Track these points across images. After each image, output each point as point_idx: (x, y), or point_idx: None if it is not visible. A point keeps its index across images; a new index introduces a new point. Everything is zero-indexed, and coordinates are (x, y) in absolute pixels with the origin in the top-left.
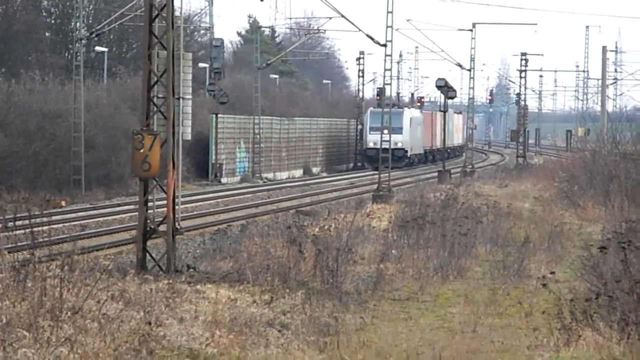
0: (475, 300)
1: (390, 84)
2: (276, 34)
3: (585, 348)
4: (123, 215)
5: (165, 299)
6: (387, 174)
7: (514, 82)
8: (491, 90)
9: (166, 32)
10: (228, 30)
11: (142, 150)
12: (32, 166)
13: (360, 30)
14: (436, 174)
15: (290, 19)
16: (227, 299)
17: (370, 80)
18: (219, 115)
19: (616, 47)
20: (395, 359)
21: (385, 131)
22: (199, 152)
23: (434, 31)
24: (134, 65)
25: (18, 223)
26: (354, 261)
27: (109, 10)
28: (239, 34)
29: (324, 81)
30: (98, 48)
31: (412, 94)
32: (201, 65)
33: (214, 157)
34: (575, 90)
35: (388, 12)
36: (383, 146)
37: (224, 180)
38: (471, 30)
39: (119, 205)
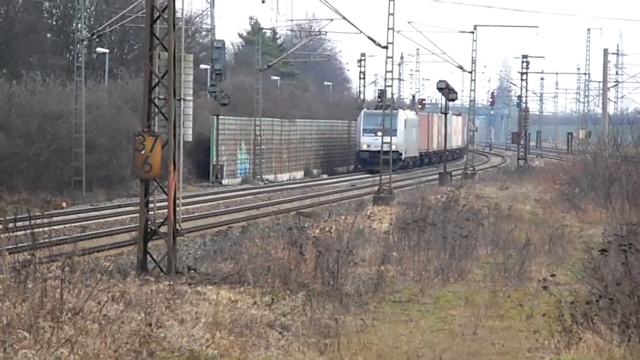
0: (476, 303)
1: (391, 86)
2: (277, 36)
3: (586, 351)
4: (124, 217)
5: (166, 301)
6: (387, 176)
7: (515, 85)
8: (492, 93)
9: (167, 33)
10: (229, 31)
11: (143, 152)
12: (33, 167)
13: (361, 32)
14: (437, 176)
15: (292, 20)
16: (228, 301)
17: (372, 82)
18: (220, 117)
19: (617, 49)
20: None
21: (380, 133)
22: (200, 153)
23: (435, 33)
24: (135, 67)
25: (19, 224)
26: (355, 263)
27: (110, 11)
28: (240, 35)
29: (325, 83)
30: (99, 49)
31: (413, 96)
32: (202, 66)
33: (215, 158)
34: (576, 93)
35: (389, 14)
36: (379, 148)
37: (224, 181)
38: (472, 33)
39: (119, 206)
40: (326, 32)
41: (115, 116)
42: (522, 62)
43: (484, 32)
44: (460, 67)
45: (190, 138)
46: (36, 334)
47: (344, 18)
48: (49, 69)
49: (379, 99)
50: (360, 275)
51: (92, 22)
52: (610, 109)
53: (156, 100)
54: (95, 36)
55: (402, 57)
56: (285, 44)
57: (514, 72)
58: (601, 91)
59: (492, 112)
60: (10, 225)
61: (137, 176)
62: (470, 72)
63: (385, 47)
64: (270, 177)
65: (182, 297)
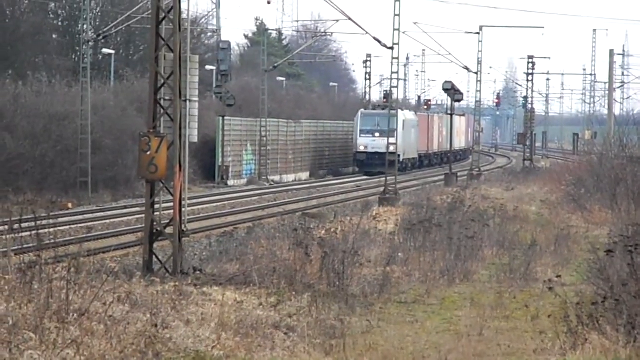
0: (482, 304)
1: (397, 87)
2: (283, 37)
3: (591, 352)
4: (129, 218)
5: (172, 302)
6: (393, 177)
7: (521, 85)
8: (498, 94)
9: (173, 34)
10: (235, 32)
11: (148, 153)
12: (39, 168)
13: (367, 33)
14: (442, 177)
15: (297, 21)
16: (234, 302)
17: (377, 83)
18: (225, 118)
19: (623, 50)
20: None
21: (377, 134)
22: (206, 154)
23: (441, 34)
24: (140, 68)
25: (24, 225)
26: (361, 264)
27: (116, 12)
28: (246, 36)
29: (331, 84)
30: (105, 50)
31: (419, 97)
32: (208, 67)
33: (220, 159)
34: (582, 94)
35: (395, 15)
36: (377, 150)
37: (230, 182)
38: (478, 33)
39: (125, 207)
40: (332, 33)
41: (121, 117)
42: (528, 62)
43: (490, 33)
44: (466, 68)
45: (195, 139)
46: (42, 334)
47: (350, 19)
48: (55, 70)
49: (385, 100)
50: (366, 276)
51: (97, 23)
52: (616, 110)
53: (162, 101)
54: (101, 37)
55: (407, 58)
56: (290, 45)
57: (519, 72)
58: (607, 92)
59: (498, 113)
60: (16, 226)
61: (143, 177)
62: (476, 73)
63: (391, 48)
64: (276, 178)
65: (188, 298)
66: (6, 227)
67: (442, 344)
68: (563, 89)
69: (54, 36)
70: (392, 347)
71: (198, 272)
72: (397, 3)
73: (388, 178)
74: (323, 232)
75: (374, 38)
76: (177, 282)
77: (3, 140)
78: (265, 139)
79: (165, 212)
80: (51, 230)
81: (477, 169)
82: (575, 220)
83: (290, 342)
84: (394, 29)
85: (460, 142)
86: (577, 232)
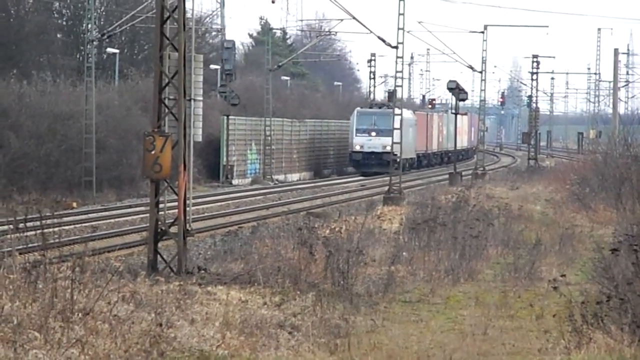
0: (486, 303)
1: (401, 86)
2: (287, 36)
3: (596, 351)
4: (134, 217)
5: (176, 301)
6: (397, 177)
7: (525, 85)
8: (503, 93)
9: (178, 33)
10: (239, 32)
11: (153, 152)
12: (44, 167)
13: (371, 32)
14: (447, 176)
15: (302, 20)
16: (238, 301)
17: (382, 82)
18: (230, 117)
19: (628, 49)
20: None
21: (374, 133)
22: (210, 153)
23: (446, 33)
24: (145, 67)
25: (29, 224)
26: (365, 263)
27: (120, 11)
28: (251, 35)
29: (335, 83)
30: (109, 49)
31: (424, 96)
32: (212, 67)
33: (225, 158)
34: (586, 93)
35: (399, 14)
36: (373, 150)
37: (235, 181)
38: (483, 33)
39: (130, 206)
40: (336, 32)
41: (125, 116)
42: (533, 62)
43: (494, 32)
44: (471, 67)
45: (200, 138)
46: (46, 334)
47: (354, 18)
48: (59, 69)
49: (389, 99)
50: (370, 275)
51: (102, 23)
52: (621, 109)
53: (166, 101)
54: (105, 36)
55: (412, 57)
56: (295, 44)
57: (524, 72)
58: (612, 91)
59: (502, 112)
60: (21, 225)
61: (147, 176)
62: (481, 72)
63: (396, 47)
64: (280, 177)
65: (193, 297)
66: (11, 226)
67: (446, 343)
68: (567, 88)
69: (58, 35)
70: (397, 346)
71: (202, 272)
72: (402, 2)
73: (392, 177)
74: (327, 231)
75: (379, 37)
76: (181, 281)
77: (8, 139)
78: (269, 138)
79: (169, 211)
80: (56, 229)
81: (481, 168)
82: (580, 220)
83: (295, 342)
84: (399, 28)
85: (462, 142)
86: (581, 231)
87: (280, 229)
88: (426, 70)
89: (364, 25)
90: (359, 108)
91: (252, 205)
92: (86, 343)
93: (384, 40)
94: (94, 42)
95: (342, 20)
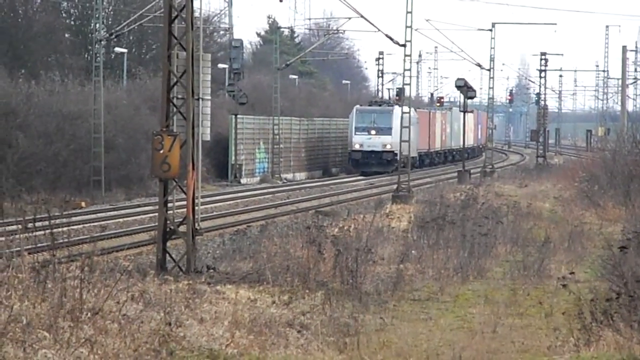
0: (496, 301)
1: (409, 84)
2: (295, 35)
3: (605, 348)
4: (143, 216)
5: (185, 300)
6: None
7: (533, 82)
8: (511, 90)
9: (186, 33)
10: (247, 31)
11: (161, 151)
12: (52, 167)
13: (379, 30)
14: (455, 174)
15: (310, 19)
16: (247, 300)
17: (390, 81)
18: (238, 116)
19: (636, 46)
20: (415, 359)
21: (374, 132)
22: (219, 152)
23: (454, 31)
24: (153, 66)
25: (38, 224)
26: (374, 261)
27: (128, 11)
28: (258, 34)
29: (343, 81)
30: (117, 49)
31: (432, 94)
32: (220, 66)
33: (233, 157)
34: (595, 90)
35: (407, 12)
36: (373, 148)
37: (243, 180)
38: (491, 30)
39: (138, 206)
40: (344, 31)
41: (133, 116)
42: (541, 59)
43: (502, 30)
44: (479, 65)
45: (208, 137)
46: (56, 333)
47: (362, 16)
48: (68, 69)
49: (397, 97)
50: (379, 273)
51: (110, 22)
52: (629, 106)
53: (175, 100)
54: (113, 36)
55: (420, 55)
56: (303, 42)
57: (532, 69)
58: (620, 88)
59: (510, 110)
60: (30, 225)
61: (156, 176)
62: (489, 70)
63: (404, 45)
64: (289, 176)
65: (202, 296)
66: (20, 226)
67: (455, 341)
68: (576, 86)
69: (66, 35)
70: (406, 345)
71: (211, 271)
72: (409, 0)
73: (401, 175)
74: (336, 230)
75: (386, 35)
76: (190, 280)
77: (16, 139)
78: (277, 137)
79: (178, 210)
80: (64, 229)
81: (490, 166)
82: (589, 217)
83: (304, 340)
84: (406, 26)
85: (467, 140)
86: (590, 229)
87: (289, 228)
88: (434, 68)
89: (371, 24)
90: (358, 106)
91: (261, 204)
92: (95, 342)
93: (391, 39)
94: (102, 42)
95: (350, 18)
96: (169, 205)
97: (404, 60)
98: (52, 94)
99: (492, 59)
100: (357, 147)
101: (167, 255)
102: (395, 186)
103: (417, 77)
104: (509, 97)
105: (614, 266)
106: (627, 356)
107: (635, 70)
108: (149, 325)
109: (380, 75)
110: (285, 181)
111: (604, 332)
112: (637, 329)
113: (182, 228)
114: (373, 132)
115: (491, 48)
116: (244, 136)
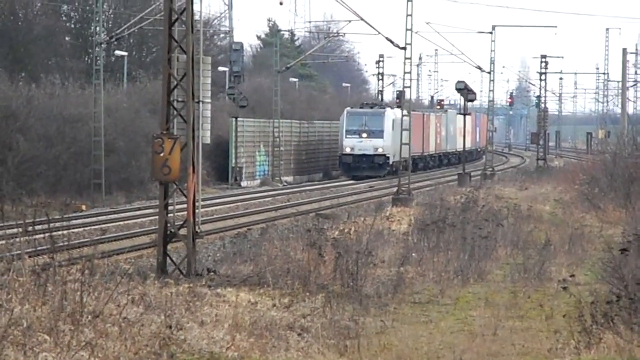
0: (496, 303)
1: (410, 87)
2: (296, 38)
3: (606, 351)
4: (143, 219)
5: (186, 303)
6: (407, 177)
7: (534, 85)
8: (511, 93)
9: (186, 36)
10: (248, 34)
11: (162, 154)
12: (52, 170)
13: (379, 33)
14: (456, 176)
15: (310, 22)
16: (248, 303)
17: (390, 83)
18: (238, 119)
19: (636, 49)
20: None
21: (365, 135)
22: (219, 155)
23: (454, 34)
24: (153, 69)
25: (38, 227)
26: (374, 264)
27: (128, 14)
28: (259, 37)
29: (344, 84)
30: (118, 52)
31: (432, 97)
32: (221, 69)
33: (233, 160)
34: (595, 93)
35: (407, 15)
36: (364, 152)
37: (243, 183)
38: (491, 33)
39: (139, 209)
40: (344, 34)
41: (134, 119)
42: (541, 62)
43: (503, 33)
44: (479, 68)
45: (208, 140)
46: (56, 337)
47: (362, 19)
48: (68, 72)
49: (397, 100)
50: (379, 276)
51: (110, 25)
52: (630, 109)
53: (175, 103)
54: (113, 39)
55: (420, 58)
56: (303, 45)
57: (532, 72)
58: (620, 91)
59: (511, 113)
60: (30, 228)
61: (156, 179)
62: (489, 73)
63: (404, 48)
64: (289, 178)
65: (202, 299)
66: (20, 229)
67: (456, 344)
68: (576, 88)
69: (66, 38)
70: (407, 348)
71: (212, 274)
72: (410, 3)
73: (401, 178)
74: (336, 232)
75: (387, 38)
76: (191, 283)
77: (17, 142)
78: (278, 139)
79: (178, 213)
80: (65, 232)
81: (490, 169)
82: (589, 220)
83: (305, 343)
84: (407, 29)
85: (465, 143)
86: (591, 231)
87: (290, 231)
88: (434, 71)
89: (372, 27)
90: (348, 108)
91: (261, 207)
92: (96, 346)
93: (392, 42)
94: (102, 45)
95: (350, 21)
96: (170, 208)
97: (404, 63)
98: (53, 97)
99: (492, 62)
100: (347, 150)
101: (168, 258)
102: (395, 189)
103: (418, 80)
104: (509, 100)
105: (615, 269)
106: (627, 359)
107: (636, 73)
108: (150, 328)
109: (380, 78)
110: (285, 184)
111: (604, 334)
112: (638, 332)
113: (183, 231)
114: (364, 135)
115: (491, 51)
116: (245, 139)
